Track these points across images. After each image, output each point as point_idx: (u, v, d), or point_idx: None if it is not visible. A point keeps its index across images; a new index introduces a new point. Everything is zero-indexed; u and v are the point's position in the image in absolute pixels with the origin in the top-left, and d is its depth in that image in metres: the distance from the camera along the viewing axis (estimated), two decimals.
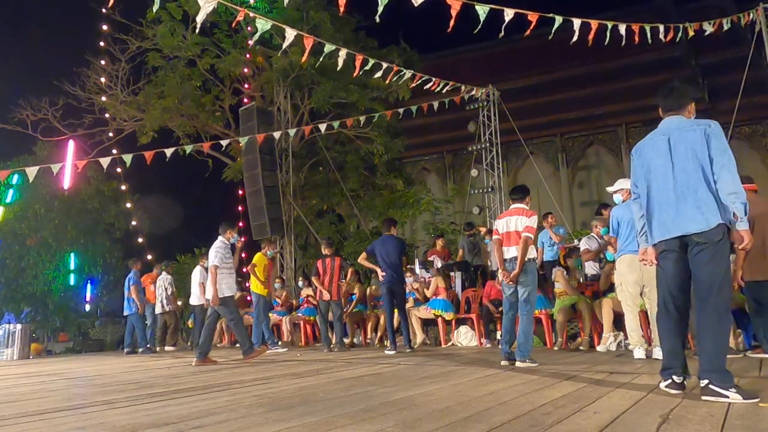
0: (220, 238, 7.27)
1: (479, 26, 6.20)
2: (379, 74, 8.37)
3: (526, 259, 5.14)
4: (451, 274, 9.63)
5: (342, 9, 5.79)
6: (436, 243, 10.65)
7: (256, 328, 8.98)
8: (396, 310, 7.73)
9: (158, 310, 10.65)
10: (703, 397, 2.89)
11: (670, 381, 3.16)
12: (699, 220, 3.01)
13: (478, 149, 12.74)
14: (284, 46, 6.77)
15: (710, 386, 2.88)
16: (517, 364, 5.00)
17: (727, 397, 2.82)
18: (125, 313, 10.61)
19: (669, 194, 3.14)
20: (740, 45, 11.36)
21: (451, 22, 6.01)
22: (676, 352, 3.17)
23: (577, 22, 6.88)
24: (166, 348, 10.81)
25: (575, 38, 6.80)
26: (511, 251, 5.24)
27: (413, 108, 11.17)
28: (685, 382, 3.15)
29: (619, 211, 5.55)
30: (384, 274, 7.54)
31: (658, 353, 5.04)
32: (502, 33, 6.26)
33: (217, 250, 7.04)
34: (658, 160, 3.23)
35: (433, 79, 9.69)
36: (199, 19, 5.69)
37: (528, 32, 6.55)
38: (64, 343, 13.93)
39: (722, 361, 2.93)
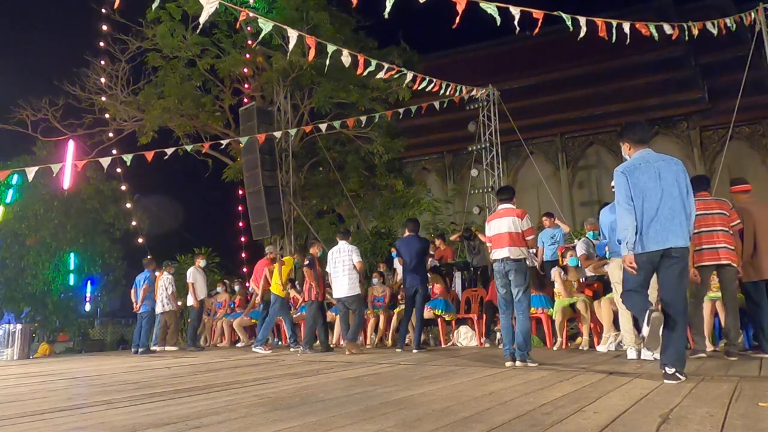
0: (344, 242, 7.81)
1: (498, 23, 6.20)
2: (381, 74, 8.36)
3: (519, 258, 5.20)
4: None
5: (354, 3, 5.80)
6: (435, 243, 10.61)
7: (267, 327, 9.05)
8: (414, 311, 7.74)
9: (158, 309, 10.62)
10: (666, 381, 3.61)
11: (674, 372, 3.66)
12: (682, 237, 3.73)
13: (478, 149, 12.74)
14: (290, 48, 6.76)
15: (676, 373, 3.64)
16: (517, 363, 5.03)
17: (681, 379, 3.61)
18: (141, 310, 10.42)
19: (659, 213, 3.75)
20: (740, 45, 11.37)
21: (458, 20, 5.99)
22: (658, 336, 3.68)
23: (583, 21, 6.87)
24: (167, 348, 10.78)
25: (582, 35, 6.80)
26: (503, 252, 5.28)
27: (413, 108, 11.17)
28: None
29: (607, 217, 5.56)
30: (402, 277, 7.71)
31: (647, 353, 5.06)
32: (518, 29, 6.27)
33: (357, 251, 7.78)
34: (650, 183, 3.82)
35: (434, 80, 9.68)
36: (203, 19, 5.69)
37: (536, 31, 6.56)
38: (64, 343, 13.91)
39: (684, 352, 3.85)
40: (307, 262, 8.22)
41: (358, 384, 4.14)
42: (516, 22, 6.26)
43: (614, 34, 7.16)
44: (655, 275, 3.89)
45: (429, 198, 15.67)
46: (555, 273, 7.24)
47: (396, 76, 8.91)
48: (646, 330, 3.68)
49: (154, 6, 6.03)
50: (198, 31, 9.43)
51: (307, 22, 12.78)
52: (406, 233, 7.90)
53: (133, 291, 10.55)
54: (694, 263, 5.23)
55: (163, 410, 3.30)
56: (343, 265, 7.59)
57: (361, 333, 9.89)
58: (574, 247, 7.71)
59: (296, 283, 9.76)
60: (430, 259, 9.68)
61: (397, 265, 9.10)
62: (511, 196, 5.53)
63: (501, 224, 5.34)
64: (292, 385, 4.30)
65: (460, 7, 5.96)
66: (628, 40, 7.26)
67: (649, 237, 3.75)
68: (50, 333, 13.83)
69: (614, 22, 7.19)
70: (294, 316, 10.60)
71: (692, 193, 3.85)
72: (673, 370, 3.64)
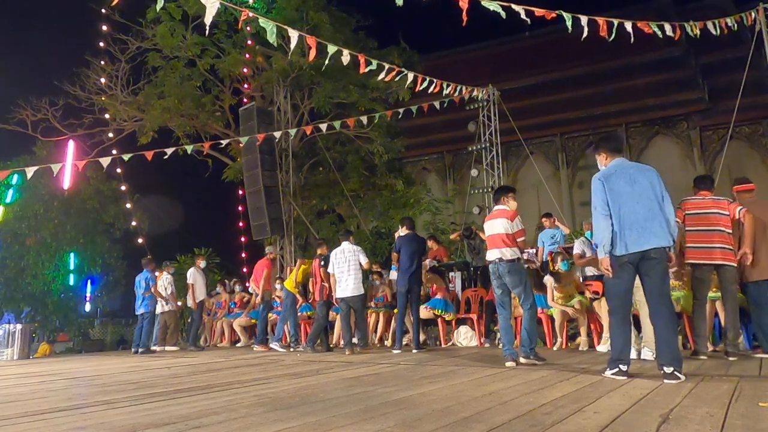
0: (347, 242, 7.87)
1: (504, 17, 6.21)
2: (381, 75, 8.36)
3: (512, 259, 5.24)
4: (450, 274, 9.62)
5: None
6: (429, 243, 10.59)
7: (281, 322, 9.17)
8: (409, 310, 7.77)
9: (159, 309, 10.61)
10: (666, 381, 3.62)
11: (617, 370, 3.90)
12: (664, 238, 3.87)
13: (478, 149, 12.74)
14: (292, 48, 6.76)
15: (675, 372, 3.65)
16: (521, 360, 5.04)
17: (681, 378, 3.63)
18: (140, 311, 10.36)
19: (638, 215, 3.90)
20: (740, 45, 11.36)
21: (464, 16, 5.98)
22: (627, 345, 4.00)
23: (584, 20, 6.87)
24: (167, 348, 10.78)
25: (585, 35, 6.82)
26: (494, 253, 5.34)
27: (413, 108, 11.17)
28: (627, 371, 3.89)
29: None
30: (396, 274, 7.80)
31: (646, 353, 5.06)
32: (528, 23, 6.30)
33: (363, 251, 7.85)
34: (627, 188, 3.99)
35: (435, 81, 9.67)
36: (208, 21, 5.70)
37: (541, 29, 6.59)
38: (64, 343, 13.90)
39: (678, 349, 3.89)
40: (322, 263, 8.23)
41: (358, 384, 4.14)
42: (524, 16, 6.27)
43: (614, 33, 7.16)
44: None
45: (429, 198, 15.67)
46: (548, 282, 7.21)
47: (397, 78, 8.90)
48: (608, 372, 3.93)
49: (158, 7, 6.01)
50: (206, 31, 9.26)
51: (307, 23, 12.78)
52: (405, 231, 7.88)
53: (138, 291, 10.53)
54: (689, 260, 5.27)
55: (163, 410, 3.30)
56: (348, 266, 7.63)
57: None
58: (565, 250, 7.71)
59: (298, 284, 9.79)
60: (429, 260, 9.69)
61: (393, 271, 9.06)
62: (499, 196, 5.56)
63: (493, 226, 5.41)
64: (292, 385, 4.30)
65: (464, 5, 5.94)
66: (632, 39, 7.27)
67: (630, 239, 3.89)
68: (50, 333, 13.83)
69: (615, 21, 7.19)
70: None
71: (669, 199, 4.00)
72: (671, 368, 3.68)
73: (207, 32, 5.99)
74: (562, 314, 7.07)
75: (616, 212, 3.96)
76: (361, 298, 7.78)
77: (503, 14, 6.23)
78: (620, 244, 3.91)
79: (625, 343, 3.99)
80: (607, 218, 3.97)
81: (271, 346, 9.09)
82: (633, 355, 5.22)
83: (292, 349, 8.65)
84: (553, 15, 6.68)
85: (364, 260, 7.70)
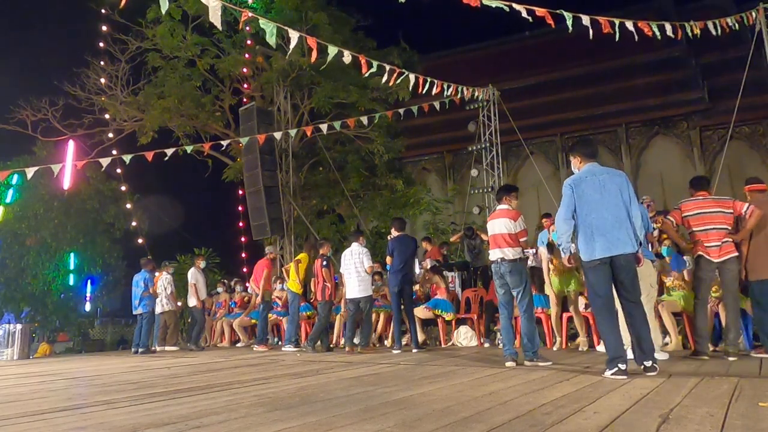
0: (356, 243, 7.89)
1: (508, 11, 6.22)
2: (384, 77, 8.36)
3: (514, 259, 5.23)
4: (450, 274, 9.63)
5: None
6: (423, 245, 10.62)
7: (291, 323, 9.10)
8: (404, 310, 7.77)
9: (158, 309, 10.61)
10: (648, 374, 3.92)
11: (616, 369, 3.94)
12: (630, 244, 4.10)
13: (478, 149, 12.74)
14: (291, 48, 6.77)
15: (654, 365, 3.98)
16: (526, 363, 5.07)
17: (656, 369, 3.99)
18: (138, 311, 10.35)
19: (606, 223, 4.09)
20: (740, 45, 11.34)
21: (473, 3, 5.98)
22: (620, 341, 4.11)
23: (586, 20, 6.88)
24: (167, 348, 10.78)
25: (591, 35, 6.85)
26: (496, 253, 5.34)
27: (413, 108, 11.17)
28: (627, 369, 3.96)
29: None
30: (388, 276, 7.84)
31: None
32: (529, 22, 6.33)
33: (368, 254, 7.82)
34: (595, 195, 4.15)
35: (436, 82, 9.67)
36: (217, 21, 5.71)
37: (541, 29, 6.62)
38: (64, 343, 13.91)
39: (652, 344, 4.17)
40: (324, 263, 8.23)
41: (358, 384, 4.14)
42: (526, 14, 6.28)
43: (617, 33, 7.18)
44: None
45: (429, 198, 15.66)
46: (542, 253, 7.16)
47: (398, 81, 8.91)
48: (608, 373, 3.97)
49: (163, 10, 6.00)
50: (205, 31, 9.17)
51: (306, 23, 12.77)
52: (396, 233, 7.90)
53: (136, 291, 10.52)
54: (695, 253, 5.31)
55: (163, 410, 3.30)
56: (354, 267, 7.69)
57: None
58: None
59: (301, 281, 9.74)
60: (428, 260, 9.70)
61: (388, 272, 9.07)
62: (500, 196, 5.60)
63: (495, 225, 5.41)
64: (292, 385, 4.30)
65: (474, 2, 5.95)
66: (636, 37, 7.30)
67: (597, 246, 4.10)
68: (50, 333, 13.83)
69: (617, 21, 7.20)
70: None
71: (636, 204, 4.22)
72: (650, 362, 3.99)
73: (220, 28, 6.01)
74: (559, 306, 7.06)
75: (585, 219, 4.15)
76: (369, 299, 7.80)
77: (506, 8, 6.25)
78: (589, 250, 4.12)
79: (617, 339, 4.08)
80: (568, 221, 4.20)
81: (283, 349, 8.99)
82: (632, 355, 5.24)
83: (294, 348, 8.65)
84: (551, 22, 6.69)
85: (367, 264, 7.71)
